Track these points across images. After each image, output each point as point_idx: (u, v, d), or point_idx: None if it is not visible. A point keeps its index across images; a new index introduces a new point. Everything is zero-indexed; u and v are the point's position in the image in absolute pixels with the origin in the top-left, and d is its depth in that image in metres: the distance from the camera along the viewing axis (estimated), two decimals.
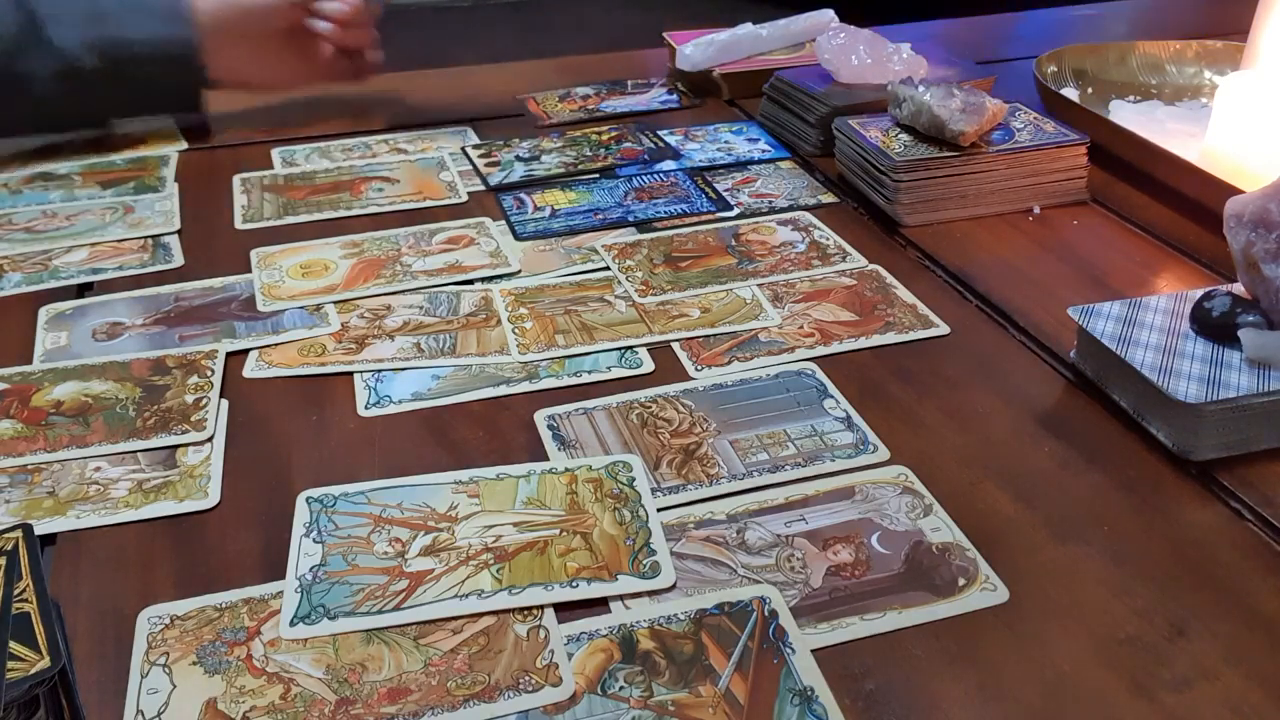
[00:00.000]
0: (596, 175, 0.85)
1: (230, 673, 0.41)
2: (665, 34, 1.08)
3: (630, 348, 0.62)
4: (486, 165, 0.87)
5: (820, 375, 0.59)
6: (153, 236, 0.76)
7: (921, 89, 0.77)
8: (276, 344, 0.63)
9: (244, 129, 0.94)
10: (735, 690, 0.40)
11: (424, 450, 0.54)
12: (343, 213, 0.79)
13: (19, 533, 0.46)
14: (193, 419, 0.56)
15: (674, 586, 0.45)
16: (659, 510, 0.49)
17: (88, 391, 0.58)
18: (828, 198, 0.81)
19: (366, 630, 0.43)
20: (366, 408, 0.57)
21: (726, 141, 0.91)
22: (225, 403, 0.58)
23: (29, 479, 0.52)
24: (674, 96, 1.02)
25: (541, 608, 0.44)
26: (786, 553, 0.47)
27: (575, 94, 1.02)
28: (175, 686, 0.41)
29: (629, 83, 1.06)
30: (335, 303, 0.67)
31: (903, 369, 0.60)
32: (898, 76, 0.86)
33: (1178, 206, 0.78)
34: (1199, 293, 0.57)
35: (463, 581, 0.45)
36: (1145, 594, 0.45)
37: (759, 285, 0.68)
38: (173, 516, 0.50)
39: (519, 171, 0.85)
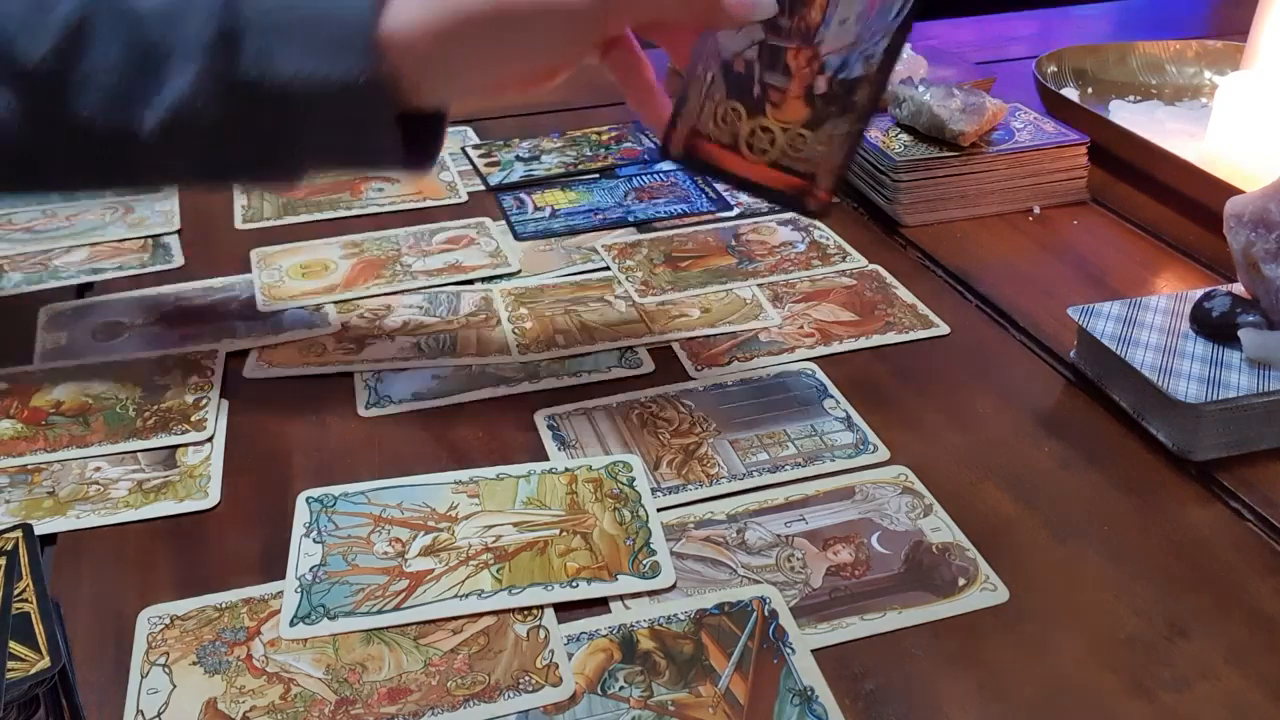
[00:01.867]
0: (596, 175, 0.85)
1: (230, 673, 0.41)
2: None
3: (630, 348, 0.62)
4: (486, 165, 0.87)
5: (820, 375, 0.59)
6: (153, 236, 0.76)
7: (921, 89, 0.77)
8: (276, 344, 0.63)
9: None
10: (735, 690, 0.40)
11: (424, 450, 0.54)
12: (343, 213, 0.79)
13: (19, 533, 0.46)
14: (193, 419, 0.56)
15: (674, 586, 0.45)
16: (659, 510, 0.49)
17: (88, 391, 0.58)
18: None
19: (366, 630, 0.43)
20: (366, 408, 0.57)
21: None
22: (225, 403, 0.58)
23: (29, 479, 0.52)
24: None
25: (541, 608, 0.44)
26: (786, 553, 0.47)
27: None
28: (175, 686, 0.41)
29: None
30: (335, 303, 0.67)
31: (903, 369, 0.60)
32: (898, 77, 0.86)
33: (1178, 206, 0.77)
34: (1199, 293, 0.57)
35: (463, 581, 0.45)
36: (1145, 594, 0.45)
37: (759, 285, 0.68)
38: (173, 516, 0.50)
39: (519, 171, 0.85)
